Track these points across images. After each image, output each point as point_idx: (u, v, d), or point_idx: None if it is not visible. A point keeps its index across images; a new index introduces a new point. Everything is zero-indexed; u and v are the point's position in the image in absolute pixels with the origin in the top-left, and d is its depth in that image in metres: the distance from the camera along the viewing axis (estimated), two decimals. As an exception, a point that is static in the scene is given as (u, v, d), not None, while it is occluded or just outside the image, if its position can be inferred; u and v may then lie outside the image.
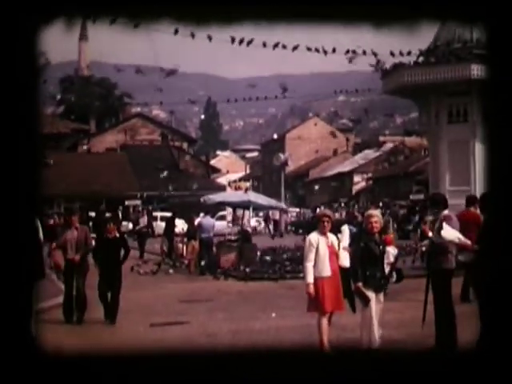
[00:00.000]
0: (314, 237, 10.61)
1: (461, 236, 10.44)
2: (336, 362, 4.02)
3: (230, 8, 3.38)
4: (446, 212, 10.89)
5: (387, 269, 10.35)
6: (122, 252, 14.54)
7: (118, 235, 14.90)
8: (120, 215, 47.79)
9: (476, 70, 23.25)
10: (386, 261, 10.32)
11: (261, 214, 54.56)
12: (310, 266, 10.43)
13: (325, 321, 10.45)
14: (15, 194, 3.56)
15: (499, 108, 3.42)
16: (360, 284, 9.96)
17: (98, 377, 3.64)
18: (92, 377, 3.63)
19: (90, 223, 32.31)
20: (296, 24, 3.38)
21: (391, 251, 10.45)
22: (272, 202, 31.59)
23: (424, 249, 11.15)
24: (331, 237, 10.72)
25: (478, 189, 23.54)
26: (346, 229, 13.86)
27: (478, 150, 24.42)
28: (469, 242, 10.37)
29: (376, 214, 10.55)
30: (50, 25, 3.52)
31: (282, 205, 37.99)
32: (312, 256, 10.44)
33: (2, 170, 3.50)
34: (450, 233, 10.30)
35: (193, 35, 22.71)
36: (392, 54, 24.88)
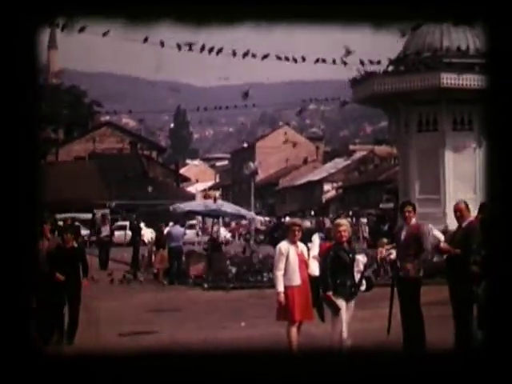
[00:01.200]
0: (284, 245, 10.59)
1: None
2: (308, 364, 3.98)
3: (230, 8, 3.31)
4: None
5: (357, 277, 10.31)
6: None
7: (75, 245, 14.03)
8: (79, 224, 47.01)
9: (445, 79, 23.37)
10: (355, 269, 10.30)
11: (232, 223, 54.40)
12: (280, 274, 10.42)
13: (294, 330, 10.42)
14: (15, 195, 3.47)
15: (499, 109, 3.39)
16: (330, 293, 9.96)
17: (98, 377, 3.64)
18: (92, 377, 3.62)
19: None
20: (296, 24, 3.34)
21: (361, 259, 10.45)
22: (241, 210, 31.56)
23: (392, 257, 11.14)
24: (301, 245, 10.72)
25: (447, 197, 23.65)
26: (316, 238, 13.81)
27: (448, 158, 24.52)
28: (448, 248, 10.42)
29: (344, 223, 10.60)
30: (50, 25, 3.49)
31: (252, 214, 37.91)
32: (282, 265, 10.41)
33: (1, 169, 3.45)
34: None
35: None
36: (362, 62, 24.95)
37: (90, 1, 3.41)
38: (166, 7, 3.32)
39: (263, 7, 3.32)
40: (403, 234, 11.00)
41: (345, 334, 9.80)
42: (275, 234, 27.76)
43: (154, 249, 27.28)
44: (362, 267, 10.43)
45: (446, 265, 10.75)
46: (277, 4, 3.34)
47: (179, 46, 22.70)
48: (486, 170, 3.42)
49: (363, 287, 10.31)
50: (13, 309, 3.51)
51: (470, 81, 23.41)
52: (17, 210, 3.54)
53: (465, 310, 10.06)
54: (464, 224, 10.58)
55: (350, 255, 10.18)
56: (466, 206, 10.91)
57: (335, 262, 10.05)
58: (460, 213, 10.64)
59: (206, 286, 22.69)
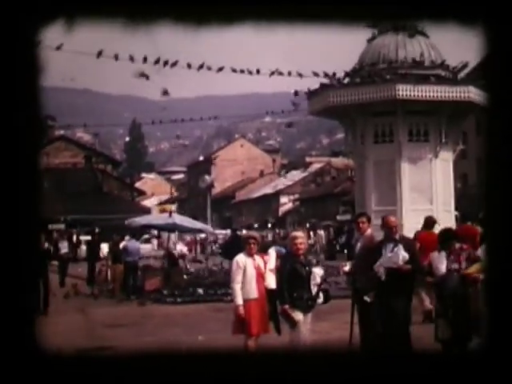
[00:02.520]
0: (241, 258, 10.61)
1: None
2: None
3: (230, 8, 3.25)
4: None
5: (314, 290, 10.22)
6: None
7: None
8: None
9: (401, 90, 23.44)
10: (312, 282, 10.22)
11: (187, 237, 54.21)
12: (238, 287, 10.42)
13: (251, 343, 10.38)
14: (15, 198, 3.40)
15: (501, 113, 3.32)
16: (287, 306, 9.92)
17: (98, 377, 3.57)
18: (92, 377, 3.57)
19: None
20: (296, 24, 3.26)
21: (317, 272, 10.40)
22: (198, 224, 31.50)
23: (346, 269, 11.14)
24: (258, 258, 10.75)
25: (404, 208, 23.70)
26: (272, 251, 13.74)
27: (404, 169, 24.59)
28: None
29: (301, 236, 10.60)
30: (51, 25, 3.41)
31: (208, 227, 37.81)
32: (240, 278, 10.42)
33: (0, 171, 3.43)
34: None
35: (116, 57, 22.48)
36: (316, 74, 25.02)
37: (90, 1, 3.36)
38: (166, 7, 3.27)
39: (263, 7, 3.23)
40: (358, 246, 11.01)
41: (302, 347, 9.69)
42: (230, 247, 27.66)
43: (110, 263, 26.97)
44: (318, 280, 10.40)
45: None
46: (277, 4, 3.25)
47: (132, 59, 22.58)
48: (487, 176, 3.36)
49: (320, 300, 10.26)
50: (13, 308, 3.43)
51: (426, 92, 23.53)
52: (17, 210, 3.44)
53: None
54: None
55: (307, 268, 10.13)
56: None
57: (292, 275, 10.00)
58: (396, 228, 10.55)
59: (161, 300, 22.51)
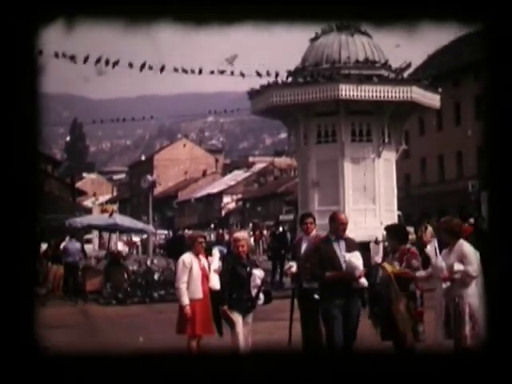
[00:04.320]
0: (187, 258, 10.59)
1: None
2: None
3: (230, 8, 3.29)
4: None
5: (254, 292, 10.19)
6: None
7: None
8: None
9: (344, 90, 23.44)
10: (252, 283, 10.27)
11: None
12: (184, 287, 10.41)
13: (194, 344, 10.41)
14: (13, 196, 3.50)
15: (498, 113, 3.36)
16: (225, 307, 10.02)
17: (98, 377, 3.67)
18: (92, 377, 3.66)
19: None
20: (296, 23, 3.22)
21: (257, 274, 10.40)
22: (139, 224, 31.31)
23: (294, 270, 11.07)
24: (203, 259, 10.77)
25: (347, 208, 23.72)
26: (216, 251, 13.67)
27: (347, 169, 24.63)
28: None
29: (243, 237, 10.71)
30: (51, 25, 3.35)
31: (150, 227, 37.56)
32: (186, 277, 10.42)
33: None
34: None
35: (56, 55, 22.12)
36: (259, 74, 24.93)
37: (90, 1, 3.37)
38: (166, 7, 3.29)
39: (264, 7, 3.20)
40: (304, 246, 10.93)
41: (242, 348, 9.77)
42: (172, 247, 27.45)
43: (50, 264, 26.60)
44: (258, 282, 10.42)
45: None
46: (277, 4, 3.22)
47: (73, 58, 22.21)
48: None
49: (261, 301, 10.27)
50: (13, 308, 3.54)
51: (369, 92, 23.58)
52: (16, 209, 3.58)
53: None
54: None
55: (248, 269, 10.18)
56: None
57: (232, 276, 10.10)
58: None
59: (102, 301, 22.28)
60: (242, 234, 11.44)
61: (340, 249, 9.54)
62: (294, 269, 11.04)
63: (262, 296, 10.27)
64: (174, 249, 25.37)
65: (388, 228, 10.16)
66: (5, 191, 3.42)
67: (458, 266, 9.05)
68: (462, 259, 9.08)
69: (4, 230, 3.47)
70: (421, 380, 3.54)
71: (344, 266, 9.49)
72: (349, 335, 9.38)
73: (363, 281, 9.45)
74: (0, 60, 3.33)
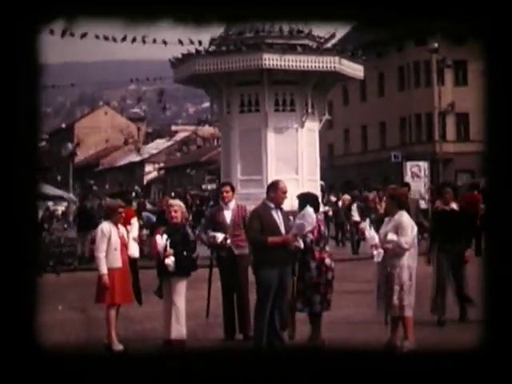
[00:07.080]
0: (106, 227, 10.47)
1: None
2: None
3: (230, 8, 3.31)
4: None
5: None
6: None
7: None
8: None
9: (267, 60, 23.39)
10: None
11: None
12: (102, 256, 10.30)
13: (113, 313, 10.36)
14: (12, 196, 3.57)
15: (498, 107, 3.48)
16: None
17: (98, 377, 3.71)
18: (92, 377, 3.70)
19: None
20: (296, 23, 3.19)
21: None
22: (58, 191, 30.84)
23: (219, 240, 10.96)
24: (121, 228, 10.69)
25: (269, 178, 23.72)
26: (135, 220, 13.57)
27: (270, 139, 24.64)
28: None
29: (176, 204, 10.82)
30: (51, 25, 3.56)
31: (71, 195, 37.08)
32: (104, 246, 10.30)
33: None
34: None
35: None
36: (181, 42, 24.68)
37: (90, 1, 3.38)
38: (166, 7, 3.30)
39: (263, 7, 3.17)
40: (226, 215, 10.86)
41: (176, 317, 10.12)
42: (81, 220, 26.80)
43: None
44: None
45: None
46: (277, 4, 3.19)
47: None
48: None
49: (171, 268, 10.39)
50: (13, 306, 3.67)
51: (292, 62, 23.57)
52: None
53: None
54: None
55: (181, 237, 10.24)
56: None
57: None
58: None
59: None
60: (175, 201, 11.79)
61: (278, 216, 9.47)
62: (220, 239, 10.92)
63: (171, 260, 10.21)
64: (82, 222, 24.76)
65: (299, 196, 10.17)
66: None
67: (391, 236, 9.14)
68: (398, 230, 9.16)
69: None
70: (421, 380, 3.55)
71: (295, 224, 9.44)
72: (281, 304, 9.40)
73: (300, 242, 9.43)
74: (0, 60, 3.34)
